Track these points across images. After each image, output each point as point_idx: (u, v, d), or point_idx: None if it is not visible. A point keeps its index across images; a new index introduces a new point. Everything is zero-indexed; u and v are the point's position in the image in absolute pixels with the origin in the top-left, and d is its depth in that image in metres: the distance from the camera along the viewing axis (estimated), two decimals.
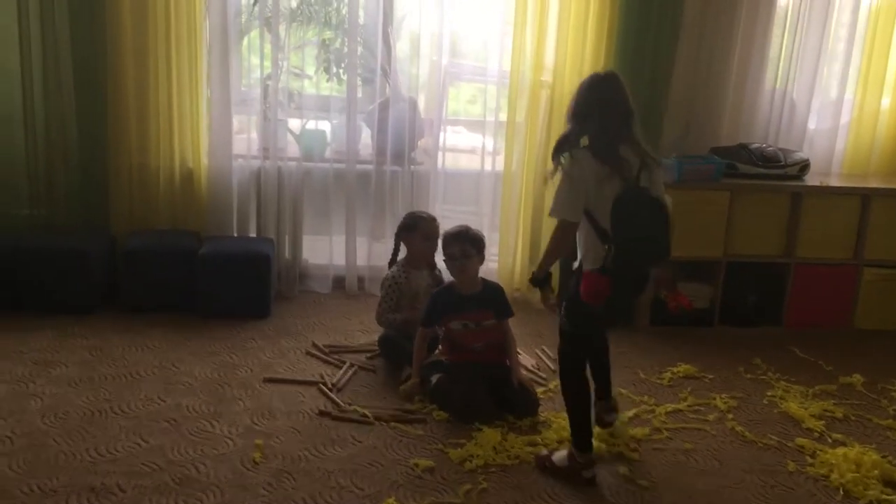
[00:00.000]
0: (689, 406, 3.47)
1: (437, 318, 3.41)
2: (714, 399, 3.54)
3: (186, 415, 3.12)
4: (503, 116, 4.59)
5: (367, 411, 3.19)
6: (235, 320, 4.10)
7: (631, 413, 3.35)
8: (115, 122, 4.23)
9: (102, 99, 4.20)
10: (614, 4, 4.36)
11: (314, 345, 3.85)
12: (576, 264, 2.90)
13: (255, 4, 4.48)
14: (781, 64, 4.68)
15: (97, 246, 4.16)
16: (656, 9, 4.39)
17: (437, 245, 3.76)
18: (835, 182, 4.55)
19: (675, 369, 3.83)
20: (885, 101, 4.81)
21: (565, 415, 2.94)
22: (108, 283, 4.23)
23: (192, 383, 3.40)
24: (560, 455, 2.90)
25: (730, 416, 3.41)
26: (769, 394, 3.64)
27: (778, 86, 4.71)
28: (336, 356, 3.75)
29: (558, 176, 2.78)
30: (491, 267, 4.69)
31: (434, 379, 3.33)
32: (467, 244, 3.40)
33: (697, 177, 4.21)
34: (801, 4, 4.60)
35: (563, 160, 2.74)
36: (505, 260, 4.73)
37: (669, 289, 3.01)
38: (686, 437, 3.21)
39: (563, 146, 2.75)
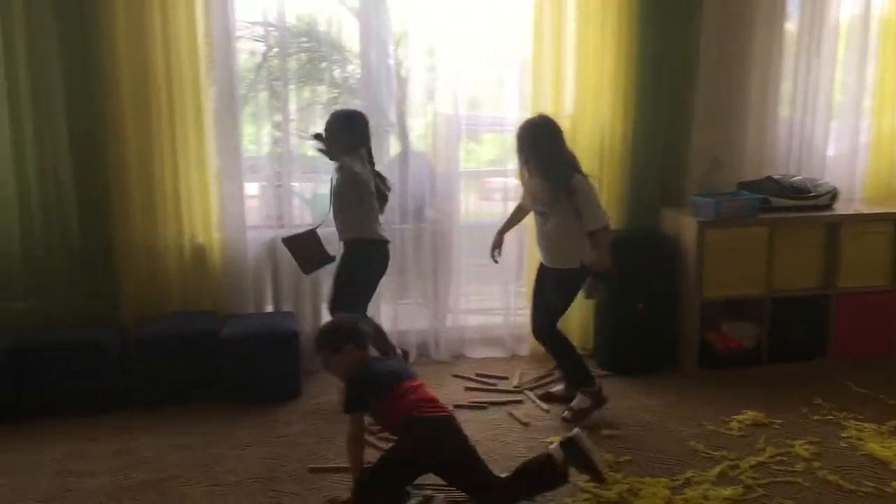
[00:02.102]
0: (770, 457, 3.28)
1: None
2: (793, 447, 3.36)
3: None
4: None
5: None
6: (266, 404, 3.81)
7: (715, 471, 3.14)
8: (118, 200, 3.95)
9: (103, 176, 3.92)
10: (631, 43, 4.27)
11: None
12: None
13: (259, 69, 4.25)
14: (797, 92, 4.61)
15: (108, 337, 3.82)
16: (674, 45, 4.33)
17: None
18: (861, 206, 4.48)
19: (740, 417, 3.64)
20: None
21: None
22: (122, 376, 3.88)
23: (240, 482, 3.08)
24: (577, 401, 3.63)
25: (816, 464, 3.22)
26: (844, 435, 3.47)
27: (793, 114, 4.65)
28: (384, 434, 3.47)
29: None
30: (519, 321, 4.51)
31: None
32: (320, 350, 2.99)
33: (735, 213, 4.09)
34: (811, 30, 4.56)
35: (579, 179, 3.48)
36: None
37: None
38: (783, 492, 3.01)
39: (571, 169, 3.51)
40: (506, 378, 4.17)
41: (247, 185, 4.24)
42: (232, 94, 4.04)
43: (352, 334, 2.93)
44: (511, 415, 3.72)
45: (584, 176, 3.55)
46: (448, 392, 3.93)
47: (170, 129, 3.95)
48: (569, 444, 2.79)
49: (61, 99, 3.84)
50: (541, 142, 3.55)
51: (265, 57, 4.20)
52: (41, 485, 3.06)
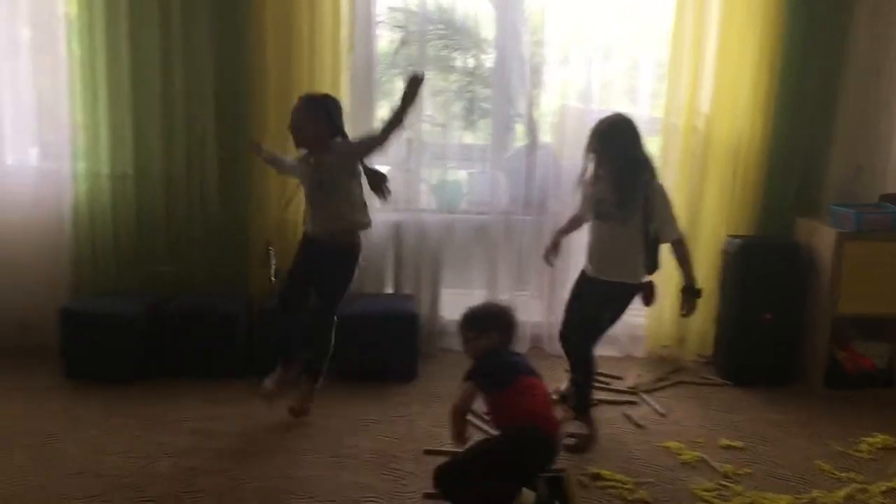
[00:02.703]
0: None
1: None
2: None
3: (365, 495, 2.89)
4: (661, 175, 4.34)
5: None
6: (382, 383, 3.90)
7: (843, 493, 3.02)
8: (256, 175, 4.10)
9: (244, 153, 4.07)
10: (774, 44, 4.12)
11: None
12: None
13: (395, 54, 4.33)
14: None
15: (237, 306, 3.99)
16: (819, 48, 4.15)
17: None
18: None
19: (870, 440, 3.48)
20: None
21: None
22: (248, 345, 4.05)
23: (361, 456, 3.17)
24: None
25: None
26: None
27: None
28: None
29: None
30: (637, 321, 4.44)
31: None
32: (465, 329, 2.99)
33: (877, 226, 3.89)
34: None
35: (657, 184, 3.28)
36: (653, 314, 4.43)
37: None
38: None
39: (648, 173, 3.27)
40: (620, 378, 4.12)
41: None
42: (368, 79, 4.13)
43: (498, 321, 2.95)
44: (626, 416, 3.68)
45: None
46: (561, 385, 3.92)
47: None
48: (555, 483, 2.75)
49: (210, 81, 4.02)
50: (617, 142, 3.25)
51: (402, 43, 4.27)
52: (177, 441, 3.23)
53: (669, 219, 3.30)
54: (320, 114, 3.28)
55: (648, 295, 3.39)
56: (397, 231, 4.33)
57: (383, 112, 4.33)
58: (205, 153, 4.08)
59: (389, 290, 4.40)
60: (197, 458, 3.09)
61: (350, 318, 3.89)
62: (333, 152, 3.30)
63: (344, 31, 4.05)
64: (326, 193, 3.31)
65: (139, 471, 2.99)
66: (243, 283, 4.19)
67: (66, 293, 4.10)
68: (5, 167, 4.07)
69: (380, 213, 4.30)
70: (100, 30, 3.94)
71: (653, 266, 3.37)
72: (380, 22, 4.19)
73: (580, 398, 3.41)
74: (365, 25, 4.07)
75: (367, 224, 3.43)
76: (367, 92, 4.15)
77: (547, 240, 4.37)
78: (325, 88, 4.04)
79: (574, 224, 3.66)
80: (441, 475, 2.69)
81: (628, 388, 3.99)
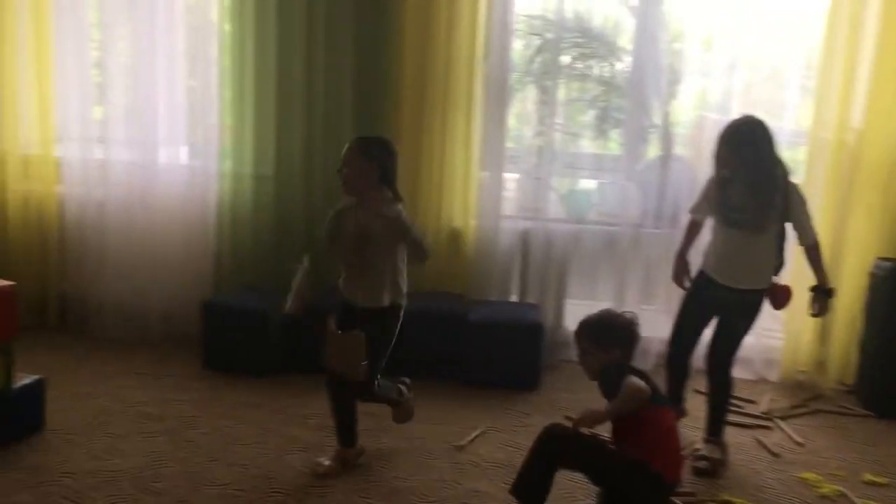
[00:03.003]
0: None
1: None
2: None
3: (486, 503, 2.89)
4: (795, 180, 4.13)
5: None
6: (502, 391, 3.89)
7: None
8: None
9: None
10: None
11: None
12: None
13: (530, 62, 4.32)
14: None
15: None
16: None
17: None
18: None
19: None
20: None
21: None
22: None
23: (481, 464, 3.17)
24: (710, 450, 3.18)
25: None
26: None
27: None
28: None
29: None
30: (772, 344, 4.25)
31: None
32: (587, 340, 2.73)
33: None
34: None
35: (796, 187, 3.14)
36: (790, 338, 4.22)
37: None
38: None
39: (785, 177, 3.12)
40: (753, 402, 3.95)
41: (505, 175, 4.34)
42: (503, 85, 4.14)
43: (623, 337, 2.69)
44: (759, 442, 3.51)
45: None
46: (688, 407, 3.79)
47: (441, 115, 4.13)
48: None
49: (350, 82, 4.12)
50: (749, 146, 3.06)
51: (538, 50, 4.26)
52: (305, 436, 3.34)
53: (807, 220, 3.16)
54: (374, 160, 2.92)
55: (780, 297, 3.21)
56: (524, 239, 4.32)
57: (514, 122, 4.34)
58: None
59: (514, 297, 4.39)
60: (324, 454, 3.17)
61: (474, 325, 3.93)
62: (383, 215, 2.89)
63: (480, 39, 4.07)
64: (366, 258, 2.94)
65: (269, 462, 3.10)
66: None
67: (209, 287, 4.33)
68: (158, 165, 4.33)
69: (508, 221, 4.32)
70: (249, 41, 4.13)
71: (780, 266, 3.24)
72: (516, 30, 4.18)
73: (718, 420, 3.28)
74: (501, 33, 4.09)
75: (399, 305, 3.05)
76: (500, 99, 4.16)
77: None
78: (459, 95, 4.10)
79: (693, 233, 3.46)
80: (550, 435, 2.57)
81: (762, 413, 3.82)
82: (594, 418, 2.52)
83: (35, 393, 3.21)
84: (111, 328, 4.38)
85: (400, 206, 2.93)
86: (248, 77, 4.15)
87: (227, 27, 4.18)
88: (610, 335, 2.68)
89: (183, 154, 4.47)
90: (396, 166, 2.98)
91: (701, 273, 3.31)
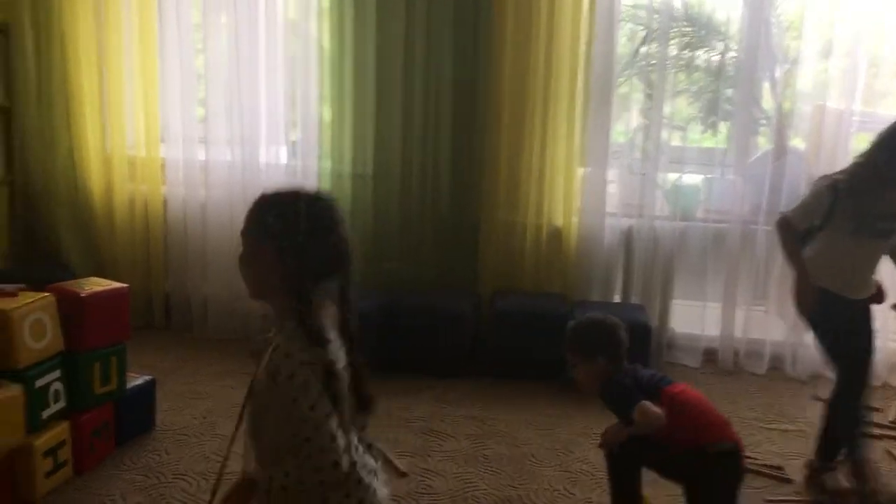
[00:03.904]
0: None
1: None
2: None
3: None
4: None
5: None
6: None
7: None
8: (488, 179, 4.11)
9: (478, 156, 4.10)
10: None
11: None
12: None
13: (634, 53, 4.16)
14: None
15: (465, 306, 4.01)
16: None
17: None
18: None
19: None
20: None
21: None
22: (475, 345, 4.06)
23: (594, 474, 3.06)
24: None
25: None
26: None
27: None
28: None
29: None
30: (894, 347, 3.98)
31: None
32: (569, 351, 2.55)
33: None
34: None
35: None
36: None
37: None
38: None
39: None
40: (878, 409, 3.70)
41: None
42: (608, 78, 3.99)
43: (609, 345, 2.49)
44: (889, 453, 3.29)
45: None
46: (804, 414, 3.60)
47: (542, 110, 4.01)
48: None
49: (449, 79, 4.05)
50: None
51: (644, 41, 4.09)
52: (409, 440, 3.28)
53: None
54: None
55: (880, 294, 3.00)
56: (628, 237, 4.18)
57: (617, 115, 4.18)
58: (439, 156, 4.13)
59: (617, 298, 4.25)
60: (430, 459, 3.12)
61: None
62: None
63: (583, 30, 3.94)
64: None
65: None
66: (472, 284, 4.21)
67: None
68: (259, 165, 4.34)
69: (610, 218, 4.17)
70: (348, 40, 4.08)
71: None
72: (621, 20, 4.03)
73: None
74: (606, 23, 3.93)
75: None
76: (604, 93, 4.01)
77: None
78: (561, 89, 3.99)
79: (800, 243, 2.96)
80: (614, 459, 2.53)
81: (890, 421, 3.58)
82: (618, 437, 2.48)
83: (147, 393, 3.26)
84: (214, 328, 4.43)
85: None
86: (347, 76, 4.12)
87: (327, 27, 4.15)
88: (589, 343, 2.50)
89: (282, 154, 4.48)
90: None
91: (826, 293, 2.89)
